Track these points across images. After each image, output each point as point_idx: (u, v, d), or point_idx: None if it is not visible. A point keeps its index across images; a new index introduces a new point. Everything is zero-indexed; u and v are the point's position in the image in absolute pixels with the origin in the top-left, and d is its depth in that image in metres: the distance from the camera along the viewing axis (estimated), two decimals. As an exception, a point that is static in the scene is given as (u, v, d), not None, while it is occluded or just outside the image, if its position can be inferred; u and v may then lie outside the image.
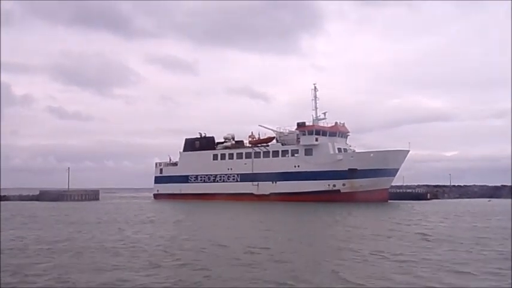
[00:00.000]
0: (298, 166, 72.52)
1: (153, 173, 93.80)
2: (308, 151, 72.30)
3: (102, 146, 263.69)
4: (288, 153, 74.50)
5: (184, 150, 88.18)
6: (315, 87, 76.94)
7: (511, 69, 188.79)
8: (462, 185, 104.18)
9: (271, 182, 74.82)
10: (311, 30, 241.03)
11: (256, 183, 76.49)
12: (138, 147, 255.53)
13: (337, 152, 71.32)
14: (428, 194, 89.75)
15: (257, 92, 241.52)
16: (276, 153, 75.81)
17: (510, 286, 13.83)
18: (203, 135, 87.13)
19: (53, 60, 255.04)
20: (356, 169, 68.10)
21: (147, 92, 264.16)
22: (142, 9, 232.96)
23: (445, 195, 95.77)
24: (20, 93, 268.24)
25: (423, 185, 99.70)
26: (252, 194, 76.24)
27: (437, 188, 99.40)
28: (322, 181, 69.79)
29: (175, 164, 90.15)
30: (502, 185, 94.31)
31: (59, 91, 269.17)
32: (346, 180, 68.82)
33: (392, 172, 69.95)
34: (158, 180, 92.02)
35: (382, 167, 67.71)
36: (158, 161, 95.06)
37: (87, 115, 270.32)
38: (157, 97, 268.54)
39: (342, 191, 69.30)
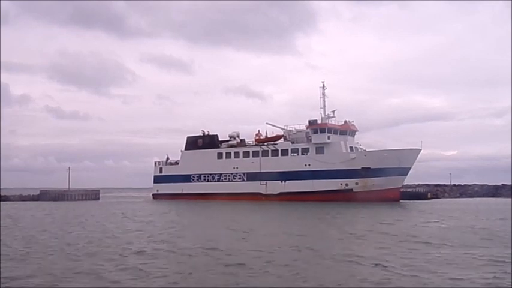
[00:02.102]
0: (309, 165, 71.18)
1: (153, 172, 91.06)
2: (319, 149, 71.05)
3: (101, 145, 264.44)
4: (297, 152, 73.09)
5: (186, 148, 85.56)
6: (323, 85, 75.57)
7: (510, 68, 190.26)
8: (463, 184, 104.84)
9: (280, 181, 73.26)
10: (306, 29, 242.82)
11: (264, 182, 74.76)
12: (137, 147, 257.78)
13: (348, 150, 70.38)
14: (429, 194, 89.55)
15: (254, 91, 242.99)
16: (285, 152, 74.25)
17: (510, 286, 13.91)
18: (206, 133, 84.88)
19: (49, 60, 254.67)
20: (369, 168, 67.23)
21: (144, 92, 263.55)
22: (136, 8, 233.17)
23: (446, 194, 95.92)
24: (17, 93, 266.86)
25: (423, 185, 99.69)
26: (259, 193, 74.47)
27: (437, 188, 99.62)
28: (335, 180, 68.66)
29: (176, 162, 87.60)
30: (502, 184, 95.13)
31: (56, 91, 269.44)
32: (359, 179, 67.85)
33: (405, 171, 69.27)
34: (158, 179, 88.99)
35: (395, 165, 66.97)
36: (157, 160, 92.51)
37: (84, 115, 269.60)
38: (154, 96, 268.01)
39: (354, 190, 68.31)
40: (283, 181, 73.06)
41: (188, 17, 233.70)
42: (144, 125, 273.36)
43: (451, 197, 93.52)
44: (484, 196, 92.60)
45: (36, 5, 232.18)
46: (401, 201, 70.24)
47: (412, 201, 73.14)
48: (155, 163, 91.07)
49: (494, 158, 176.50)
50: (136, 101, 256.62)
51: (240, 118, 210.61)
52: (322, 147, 70.79)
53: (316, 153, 71.12)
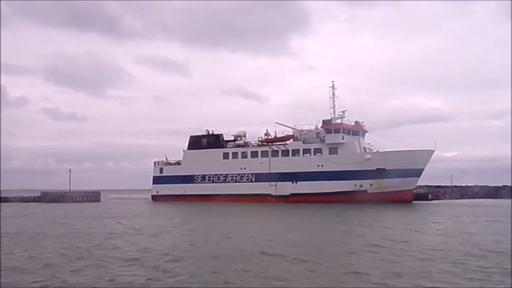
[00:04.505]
0: (322, 165, 69.63)
1: (152, 173, 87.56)
2: (333, 150, 69.61)
3: (100, 147, 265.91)
4: (309, 152, 71.45)
5: (189, 148, 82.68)
6: (333, 85, 74.21)
7: (510, 69, 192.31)
8: (463, 185, 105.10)
9: (291, 182, 71.46)
10: (300, 30, 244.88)
11: (273, 183, 72.79)
12: (136, 148, 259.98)
13: (363, 151, 69.24)
14: (430, 195, 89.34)
15: (251, 93, 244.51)
16: (296, 152, 72.47)
17: (510, 286, 13.86)
18: (210, 132, 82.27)
19: (45, 61, 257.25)
20: (384, 169, 66.19)
21: (141, 93, 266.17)
22: (130, 9, 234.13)
23: (447, 195, 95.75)
24: (14, 95, 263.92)
25: (424, 186, 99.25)
26: (269, 194, 72.49)
27: (438, 189, 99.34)
28: (349, 181, 67.31)
29: (177, 163, 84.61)
30: (503, 185, 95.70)
31: (53, 92, 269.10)
32: (374, 180, 66.71)
33: (418, 172, 68.51)
34: (157, 180, 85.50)
35: (409, 166, 66.21)
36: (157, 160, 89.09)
37: (82, 116, 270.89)
38: (151, 98, 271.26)
39: (368, 191, 67.13)
40: (294, 182, 71.25)
41: (182, 18, 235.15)
42: (142, 127, 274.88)
43: (452, 198, 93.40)
44: (484, 197, 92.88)
45: (31, 7, 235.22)
46: (413, 202, 69.75)
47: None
48: (154, 163, 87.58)
49: (494, 159, 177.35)
50: (134, 103, 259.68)
51: (239, 119, 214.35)
52: (336, 148, 69.37)
53: (330, 154, 69.68)
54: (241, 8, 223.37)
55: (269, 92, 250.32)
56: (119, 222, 37.00)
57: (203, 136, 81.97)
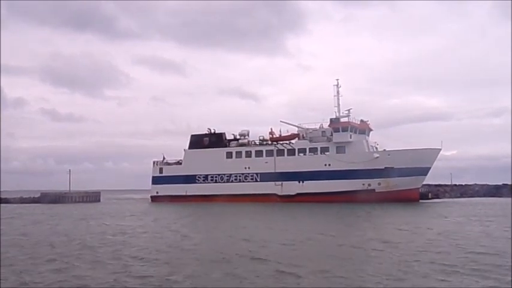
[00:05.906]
0: (329, 164, 68.73)
1: (151, 173, 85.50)
2: (340, 149, 68.83)
3: (99, 147, 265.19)
4: (316, 151, 70.50)
5: (190, 147, 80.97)
6: (338, 83, 73.56)
7: (510, 68, 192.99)
8: (463, 184, 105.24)
9: (297, 182, 70.40)
10: (296, 30, 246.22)
11: (279, 183, 71.65)
12: (135, 149, 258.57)
13: (370, 149, 68.58)
14: (430, 194, 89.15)
15: (248, 93, 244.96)
16: (302, 151, 71.44)
17: (510, 286, 13.77)
18: (212, 131, 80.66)
19: (42, 62, 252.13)
20: (392, 167, 65.65)
21: (139, 93, 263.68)
22: (126, 9, 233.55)
23: (446, 194, 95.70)
24: (12, 96, 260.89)
25: (424, 185, 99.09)
26: (275, 194, 71.36)
27: (438, 188, 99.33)
28: (357, 180, 66.54)
29: (178, 162, 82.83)
30: (503, 184, 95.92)
31: (50, 93, 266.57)
32: (382, 179, 66.08)
33: (425, 171, 68.37)
34: (157, 180, 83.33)
35: (416, 165, 65.90)
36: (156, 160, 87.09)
37: (80, 117, 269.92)
38: (149, 98, 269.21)
39: (376, 190, 66.48)
40: (300, 181, 70.19)
41: (179, 18, 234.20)
42: (141, 127, 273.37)
43: (452, 197, 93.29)
44: (484, 196, 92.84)
45: (28, 7, 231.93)
46: (420, 201, 69.39)
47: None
48: (154, 163, 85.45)
49: (494, 158, 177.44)
50: (132, 103, 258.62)
51: (238, 119, 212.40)
52: (343, 147, 68.60)
53: (337, 153, 68.88)
54: (239, 8, 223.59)
55: (268, 92, 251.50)
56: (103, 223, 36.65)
57: (205, 135, 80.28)
